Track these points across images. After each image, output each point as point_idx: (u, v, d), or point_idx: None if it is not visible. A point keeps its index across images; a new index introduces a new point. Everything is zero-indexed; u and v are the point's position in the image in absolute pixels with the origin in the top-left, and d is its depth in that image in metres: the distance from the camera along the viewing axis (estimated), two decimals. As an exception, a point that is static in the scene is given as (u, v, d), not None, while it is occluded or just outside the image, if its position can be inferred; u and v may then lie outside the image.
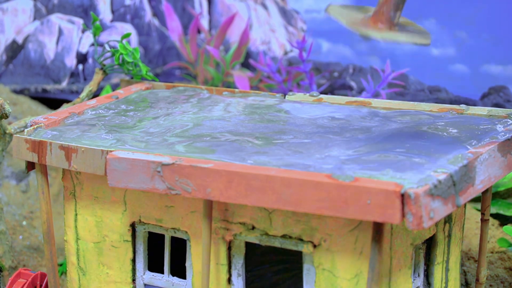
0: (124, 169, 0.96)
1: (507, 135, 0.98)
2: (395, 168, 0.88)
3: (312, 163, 0.91)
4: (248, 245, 0.97)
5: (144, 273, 1.05)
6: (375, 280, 0.85)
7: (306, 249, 0.92)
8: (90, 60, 1.93)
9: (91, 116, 1.13)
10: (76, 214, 1.07)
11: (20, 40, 1.93)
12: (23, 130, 1.09)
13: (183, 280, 1.02)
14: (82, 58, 1.93)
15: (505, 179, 1.48)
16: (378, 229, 0.85)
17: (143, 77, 1.28)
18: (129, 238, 1.04)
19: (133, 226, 1.04)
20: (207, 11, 1.99)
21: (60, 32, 1.93)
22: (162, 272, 1.04)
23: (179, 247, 1.06)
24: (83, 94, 1.29)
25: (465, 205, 1.07)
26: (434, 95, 1.78)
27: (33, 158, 1.04)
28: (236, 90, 1.23)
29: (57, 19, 1.94)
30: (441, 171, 0.86)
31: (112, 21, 1.96)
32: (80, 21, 1.93)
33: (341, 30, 1.85)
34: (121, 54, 1.24)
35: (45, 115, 1.11)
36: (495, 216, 1.45)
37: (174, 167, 0.92)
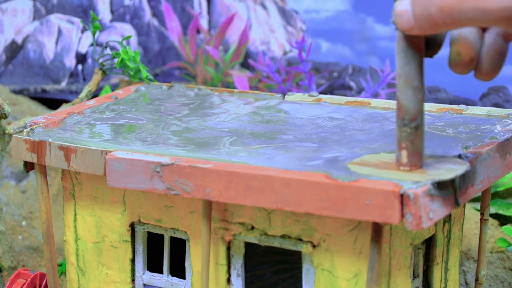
0: (124, 170, 0.96)
1: (506, 135, 0.98)
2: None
3: (311, 163, 0.91)
4: (248, 245, 0.97)
5: (143, 273, 1.05)
6: (374, 280, 0.85)
7: (305, 249, 0.92)
8: (89, 60, 1.93)
9: (91, 116, 1.13)
10: (75, 214, 1.07)
11: (19, 40, 1.93)
12: (23, 130, 1.09)
13: (183, 280, 1.02)
14: (81, 58, 1.93)
15: (505, 179, 1.48)
16: (377, 229, 0.85)
17: (141, 79, 1.28)
18: (129, 238, 1.04)
19: (132, 226, 1.04)
20: (207, 11, 1.99)
21: (60, 32, 1.93)
22: (162, 272, 1.04)
23: (179, 247, 1.06)
24: (83, 94, 1.29)
25: (464, 205, 1.07)
26: (434, 95, 1.78)
27: (33, 158, 1.03)
28: (235, 90, 1.23)
29: (57, 19, 1.94)
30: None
31: (111, 21, 1.96)
32: (79, 22, 1.93)
33: (340, 30, 1.85)
34: (123, 58, 1.24)
35: (44, 115, 1.11)
36: (495, 216, 1.45)
37: (173, 168, 0.92)
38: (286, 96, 1.19)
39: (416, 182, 0.82)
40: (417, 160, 0.87)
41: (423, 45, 0.85)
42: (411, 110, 0.85)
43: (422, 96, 0.86)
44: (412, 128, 0.86)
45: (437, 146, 0.95)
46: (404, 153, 0.86)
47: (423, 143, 0.87)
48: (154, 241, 1.06)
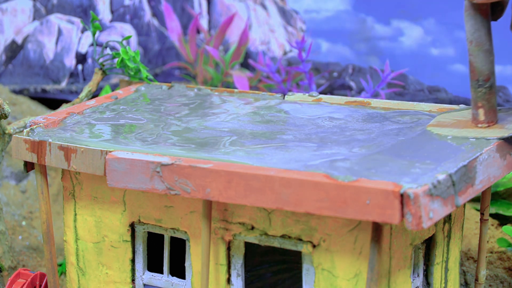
0: (124, 170, 0.96)
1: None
2: (395, 168, 0.88)
3: (311, 163, 0.91)
4: (248, 245, 0.97)
5: (143, 273, 1.05)
6: (374, 280, 0.85)
7: (305, 249, 0.92)
8: (89, 60, 1.93)
9: (91, 116, 1.13)
10: (75, 214, 1.07)
11: (19, 40, 1.93)
12: (23, 130, 1.09)
13: (183, 280, 1.02)
14: (81, 58, 1.93)
15: (505, 179, 1.48)
16: (377, 229, 0.85)
17: (141, 79, 1.28)
18: (129, 238, 1.04)
19: (132, 226, 1.04)
20: (207, 11, 1.99)
21: (60, 32, 1.93)
22: (162, 272, 1.04)
23: (179, 247, 1.06)
24: (83, 94, 1.29)
25: (464, 205, 1.07)
26: (434, 95, 1.78)
27: (33, 158, 1.03)
28: (235, 90, 1.23)
29: (57, 19, 1.94)
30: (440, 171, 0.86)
31: (111, 21, 1.96)
32: (79, 22, 1.93)
33: (340, 30, 1.85)
34: (123, 58, 1.24)
35: (44, 115, 1.11)
36: (495, 216, 1.45)
37: (174, 167, 0.92)
38: (286, 96, 1.19)
39: (416, 182, 0.82)
40: (493, 117, 0.96)
41: (489, 11, 0.94)
42: (485, 71, 0.95)
43: (493, 58, 0.95)
44: (486, 87, 0.95)
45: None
46: (481, 111, 0.96)
47: (496, 100, 0.96)
48: (154, 241, 1.06)
